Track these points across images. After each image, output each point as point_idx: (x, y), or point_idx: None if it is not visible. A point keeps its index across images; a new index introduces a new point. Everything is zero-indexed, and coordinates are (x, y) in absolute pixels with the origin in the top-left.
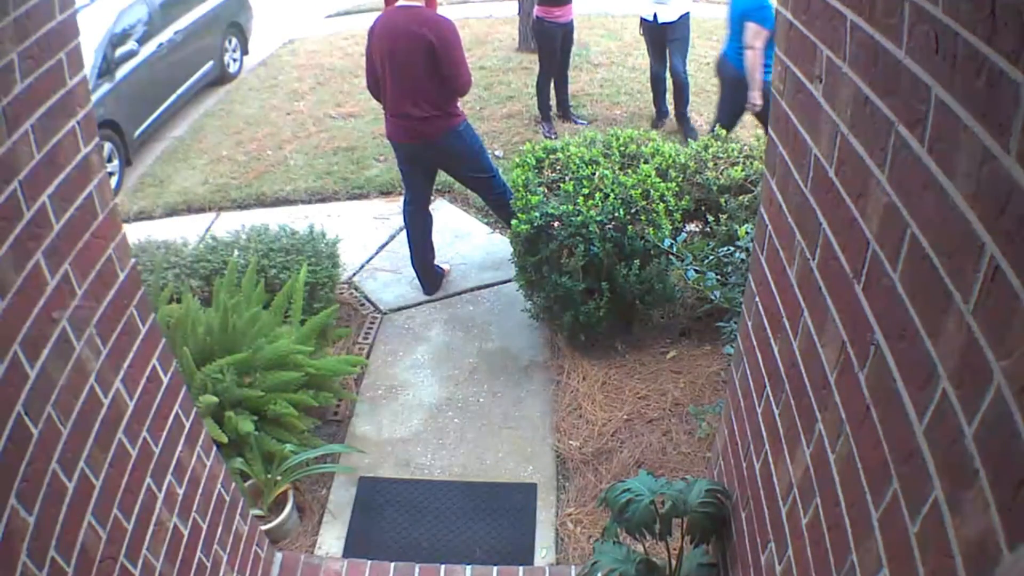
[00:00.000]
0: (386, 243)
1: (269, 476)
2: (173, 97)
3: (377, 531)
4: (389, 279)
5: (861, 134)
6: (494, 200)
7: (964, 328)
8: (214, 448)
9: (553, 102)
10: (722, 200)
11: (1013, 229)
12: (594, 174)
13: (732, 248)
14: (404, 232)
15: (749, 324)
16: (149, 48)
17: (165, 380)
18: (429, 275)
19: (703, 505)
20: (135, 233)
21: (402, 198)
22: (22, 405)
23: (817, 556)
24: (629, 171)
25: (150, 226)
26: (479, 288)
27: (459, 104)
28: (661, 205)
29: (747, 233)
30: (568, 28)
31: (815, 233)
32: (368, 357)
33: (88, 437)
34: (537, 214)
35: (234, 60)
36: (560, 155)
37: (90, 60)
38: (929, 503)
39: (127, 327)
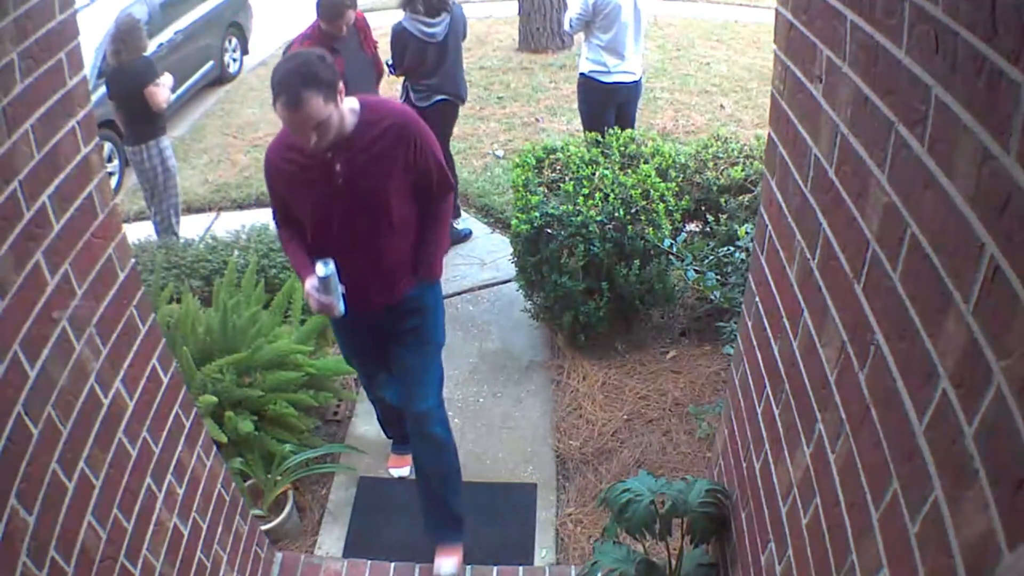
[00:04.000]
0: None
1: (269, 476)
2: (173, 97)
3: (377, 531)
4: None
5: (861, 134)
6: None
7: (964, 328)
8: (214, 448)
9: None
10: (722, 200)
11: (1013, 229)
12: (594, 174)
13: (732, 248)
14: None
15: (749, 324)
16: (149, 48)
17: (165, 380)
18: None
19: (703, 505)
20: (135, 233)
21: None
22: (22, 405)
23: (817, 556)
24: (629, 171)
25: (150, 226)
26: (479, 288)
27: None
28: (661, 205)
29: (747, 233)
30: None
31: (815, 233)
32: None
33: (88, 437)
34: (537, 214)
35: (234, 60)
36: (560, 155)
37: (90, 60)
38: (929, 503)
39: (127, 327)
